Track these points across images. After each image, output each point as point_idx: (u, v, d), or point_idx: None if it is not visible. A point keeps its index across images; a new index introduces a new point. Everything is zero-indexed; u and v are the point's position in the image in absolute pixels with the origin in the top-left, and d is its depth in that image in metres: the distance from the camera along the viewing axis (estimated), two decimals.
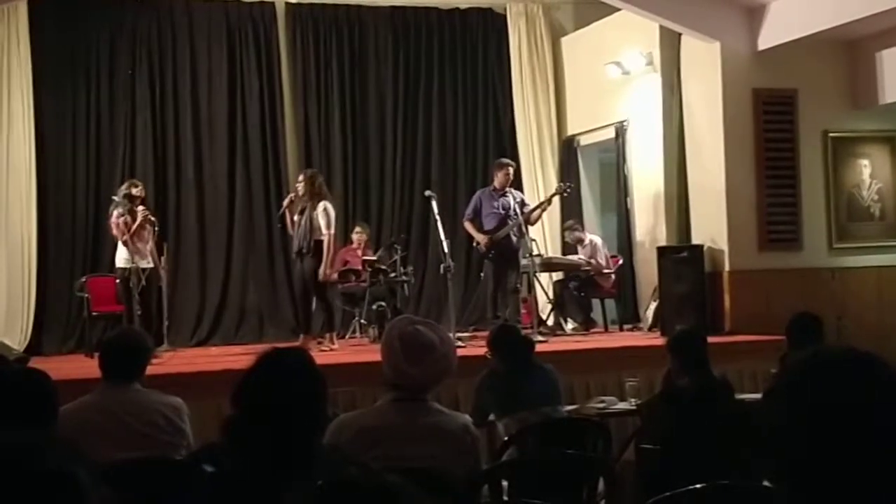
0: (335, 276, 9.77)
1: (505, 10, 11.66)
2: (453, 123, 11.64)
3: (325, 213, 8.81)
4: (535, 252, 9.46)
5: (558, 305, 10.22)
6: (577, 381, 7.23)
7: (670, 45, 9.78)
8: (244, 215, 10.87)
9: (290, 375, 2.63)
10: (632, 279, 10.40)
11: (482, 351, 5.82)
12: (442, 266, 8.53)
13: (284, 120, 11.04)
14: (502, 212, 9.34)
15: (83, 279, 9.67)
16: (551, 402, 5.12)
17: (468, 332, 9.64)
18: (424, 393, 3.38)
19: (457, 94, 11.66)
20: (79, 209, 10.39)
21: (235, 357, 7.91)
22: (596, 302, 10.29)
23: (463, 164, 11.60)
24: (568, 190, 10.05)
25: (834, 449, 1.34)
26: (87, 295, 9.48)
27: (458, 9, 11.69)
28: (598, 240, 10.26)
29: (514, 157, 10.88)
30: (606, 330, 10.08)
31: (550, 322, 10.02)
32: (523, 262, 9.43)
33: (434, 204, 8.72)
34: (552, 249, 10.92)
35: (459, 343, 7.52)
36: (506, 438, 4.73)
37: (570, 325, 10.16)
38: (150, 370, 4.33)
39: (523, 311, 9.68)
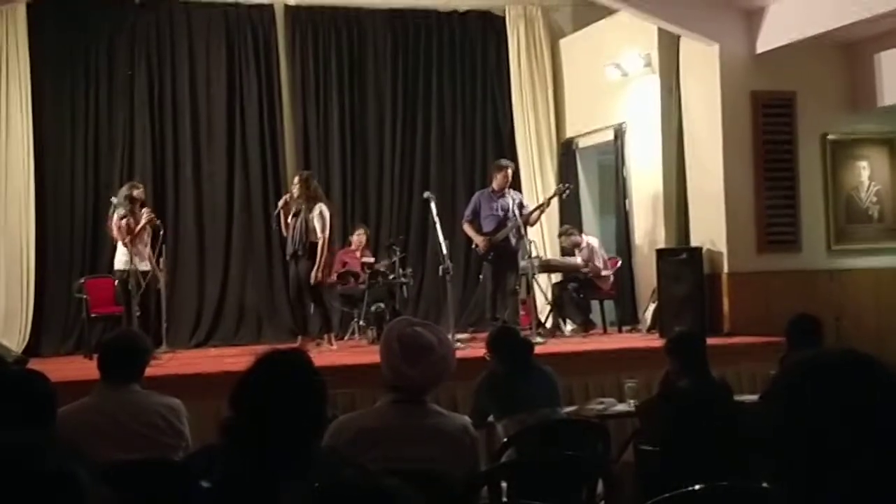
0: (334, 277, 9.78)
1: (504, 12, 11.66)
2: (452, 125, 11.65)
3: (320, 217, 8.82)
4: (534, 253, 9.47)
5: (557, 307, 10.21)
6: (575, 382, 7.23)
7: (669, 47, 9.79)
8: (243, 217, 10.88)
9: (288, 377, 2.63)
10: (631, 281, 10.40)
11: (481, 352, 5.81)
12: (441, 267, 8.53)
13: (283, 122, 11.04)
14: (501, 213, 9.35)
15: (82, 280, 9.67)
16: (550, 403, 5.11)
17: (467, 333, 9.63)
18: (423, 394, 3.38)
19: (455, 96, 11.66)
20: (77, 210, 10.40)
21: (234, 358, 7.90)
22: (595, 303, 10.29)
23: (462, 165, 11.61)
24: (567, 191, 10.06)
25: (832, 450, 1.34)
26: (85, 296, 9.48)
27: (456, 11, 11.69)
28: (594, 242, 10.25)
29: (513, 158, 10.88)
30: (605, 331, 10.07)
31: (549, 323, 10.02)
32: (522, 263, 9.44)
33: (433, 205, 8.72)
34: (551, 251, 10.92)
35: (458, 344, 7.53)
36: (505, 440, 4.73)
37: (568, 327, 10.16)
38: (148, 371, 4.33)
39: (522, 312, 9.68)
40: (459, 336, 8.59)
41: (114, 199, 8.83)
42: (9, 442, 1.53)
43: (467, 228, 9.60)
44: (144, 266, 8.62)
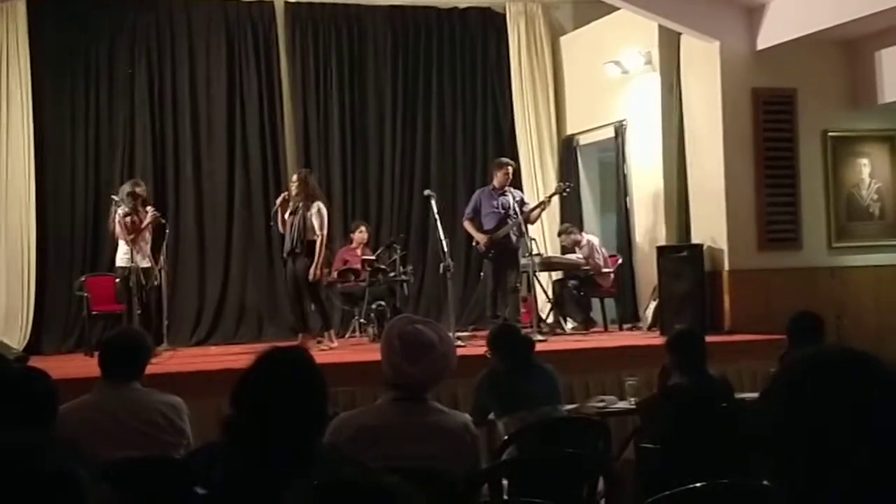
0: (334, 275, 9.78)
1: (504, 9, 11.66)
2: (452, 123, 11.64)
3: (318, 214, 8.82)
4: (535, 251, 9.47)
5: (558, 305, 10.22)
6: (576, 380, 7.23)
7: (669, 44, 9.79)
8: (243, 214, 10.88)
9: (289, 375, 2.63)
10: (631, 278, 10.40)
11: (482, 350, 5.82)
12: (441, 265, 8.53)
13: (283, 119, 11.04)
14: (502, 211, 9.34)
15: (83, 278, 9.68)
16: (551, 401, 5.11)
17: (468, 331, 9.64)
18: (424, 392, 3.38)
19: (456, 94, 11.66)
20: (78, 208, 10.40)
21: (235, 356, 7.91)
22: (595, 301, 10.29)
23: (462, 163, 11.60)
24: (567, 189, 10.05)
25: (833, 448, 1.34)
26: (86, 294, 9.49)
27: (457, 8, 11.69)
28: (594, 239, 10.25)
29: (514, 156, 10.87)
30: (606, 329, 10.07)
31: (550, 321, 10.02)
32: (523, 261, 9.44)
33: (433, 203, 8.72)
34: (551, 249, 10.92)
35: (459, 342, 7.52)
36: (505, 437, 4.73)
37: (569, 325, 10.16)
38: (149, 369, 4.32)
39: (523, 310, 9.68)
40: (460, 334, 8.59)
41: (115, 197, 8.83)
42: (9, 442, 1.53)
43: (468, 226, 9.60)
44: (145, 263, 8.62)
